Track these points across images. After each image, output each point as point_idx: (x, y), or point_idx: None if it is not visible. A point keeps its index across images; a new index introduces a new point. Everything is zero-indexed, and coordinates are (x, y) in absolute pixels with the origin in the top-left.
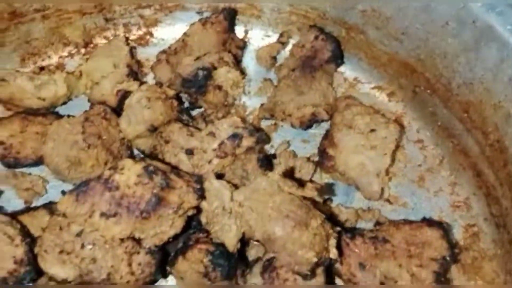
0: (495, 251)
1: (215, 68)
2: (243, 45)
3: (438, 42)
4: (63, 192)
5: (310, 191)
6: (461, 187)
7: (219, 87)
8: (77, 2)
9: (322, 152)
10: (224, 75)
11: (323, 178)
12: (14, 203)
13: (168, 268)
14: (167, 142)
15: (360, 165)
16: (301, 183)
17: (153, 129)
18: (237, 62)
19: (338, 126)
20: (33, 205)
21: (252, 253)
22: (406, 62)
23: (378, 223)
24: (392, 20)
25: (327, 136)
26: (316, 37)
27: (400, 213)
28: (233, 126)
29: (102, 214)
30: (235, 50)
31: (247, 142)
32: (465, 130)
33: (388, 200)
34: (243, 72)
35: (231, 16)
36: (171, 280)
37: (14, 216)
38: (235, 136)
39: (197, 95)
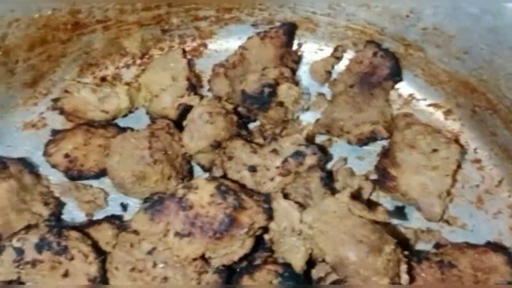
0: None
1: (278, 84)
2: (298, 59)
3: (503, 64)
4: (123, 205)
5: (381, 215)
6: None
7: (281, 104)
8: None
9: (383, 171)
10: (286, 91)
11: (379, 196)
12: (75, 215)
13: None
14: (230, 158)
15: (422, 186)
16: (368, 205)
17: (216, 145)
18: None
19: (399, 146)
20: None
21: (313, 273)
22: (466, 81)
23: (438, 245)
24: (455, 39)
25: (387, 155)
26: (375, 54)
27: (459, 234)
28: (296, 144)
29: (177, 234)
30: (291, 64)
31: (310, 160)
32: None
33: (447, 221)
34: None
35: (290, 31)
36: None
37: (81, 230)
38: (298, 154)
39: (258, 111)
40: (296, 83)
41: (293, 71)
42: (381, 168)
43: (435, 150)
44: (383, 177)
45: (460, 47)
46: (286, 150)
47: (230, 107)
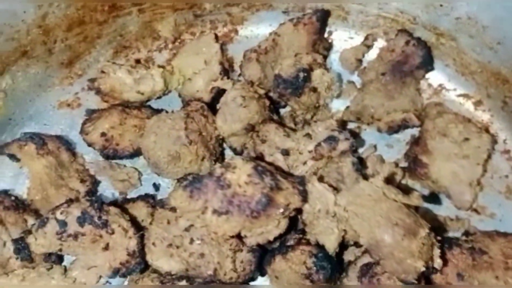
0: None
1: (312, 70)
2: (329, 46)
3: None
4: (155, 186)
5: (416, 199)
6: None
7: (315, 89)
8: None
9: (414, 158)
10: (320, 77)
11: (408, 184)
12: (109, 193)
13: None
14: (263, 141)
15: (453, 174)
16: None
17: (250, 128)
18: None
19: (431, 134)
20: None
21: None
22: (498, 71)
23: (467, 233)
24: (489, 29)
25: (418, 142)
26: (407, 42)
27: (488, 224)
28: (329, 129)
29: (215, 211)
30: (322, 51)
31: (343, 145)
32: None
33: (475, 210)
34: None
35: (324, 18)
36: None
37: (120, 206)
38: (331, 139)
39: (291, 96)
40: (328, 70)
41: (325, 58)
42: (412, 156)
43: (466, 139)
44: (414, 164)
45: (494, 37)
46: (319, 134)
47: (262, 91)
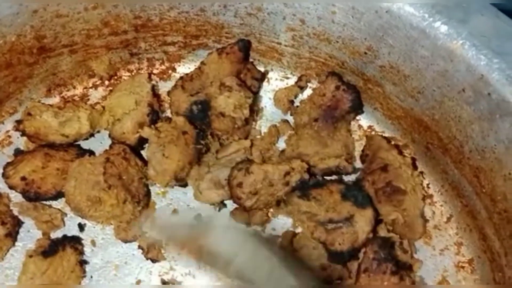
0: None
1: (212, 98)
2: (260, 76)
3: (453, 106)
4: (80, 226)
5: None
6: (466, 247)
7: (222, 114)
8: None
9: (388, 184)
10: (224, 101)
11: None
12: (33, 233)
13: None
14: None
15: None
16: None
17: (180, 178)
18: (253, 92)
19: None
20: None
21: None
22: (420, 119)
23: None
24: (410, 78)
25: (387, 169)
26: (337, 87)
27: None
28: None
29: None
30: (250, 81)
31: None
32: (474, 193)
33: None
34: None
35: (246, 47)
36: None
37: None
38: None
39: (204, 126)
40: (244, 91)
41: (252, 88)
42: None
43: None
44: (391, 189)
45: (414, 87)
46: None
47: (181, 123)
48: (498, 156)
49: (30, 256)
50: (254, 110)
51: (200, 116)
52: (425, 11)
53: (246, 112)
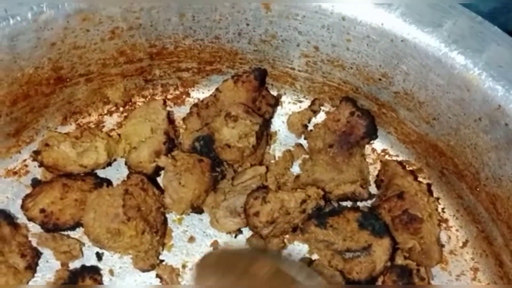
0: None
1: (215, 132)
2: (274, 102)
3: (469, 134)
4: (98, 255)
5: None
6: (482, 273)
7: (228, 145)
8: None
9: (405, 212)
10: (229, 133)
11: None
12: (52, 264)
13: None
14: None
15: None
16: None
17: (196, 206)
18: (265, 119)
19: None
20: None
21: None
22: (435, 144)
23: None
24: (425, 105)
25: (403, 197)
26: (352, 113)
27: None
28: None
29: None
30: (265, 107)
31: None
32: (490, 220)
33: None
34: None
35: (261, 76)
36: None
37: None
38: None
39: (214, 158)
40: (250, 120)
41: (266, 114)
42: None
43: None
44: (408, 218)
45: (429, 113)
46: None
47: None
48: None
49: None
50: (268, 134)
51: (205, 151)
52: (441, 41)
53: (252, 140)
